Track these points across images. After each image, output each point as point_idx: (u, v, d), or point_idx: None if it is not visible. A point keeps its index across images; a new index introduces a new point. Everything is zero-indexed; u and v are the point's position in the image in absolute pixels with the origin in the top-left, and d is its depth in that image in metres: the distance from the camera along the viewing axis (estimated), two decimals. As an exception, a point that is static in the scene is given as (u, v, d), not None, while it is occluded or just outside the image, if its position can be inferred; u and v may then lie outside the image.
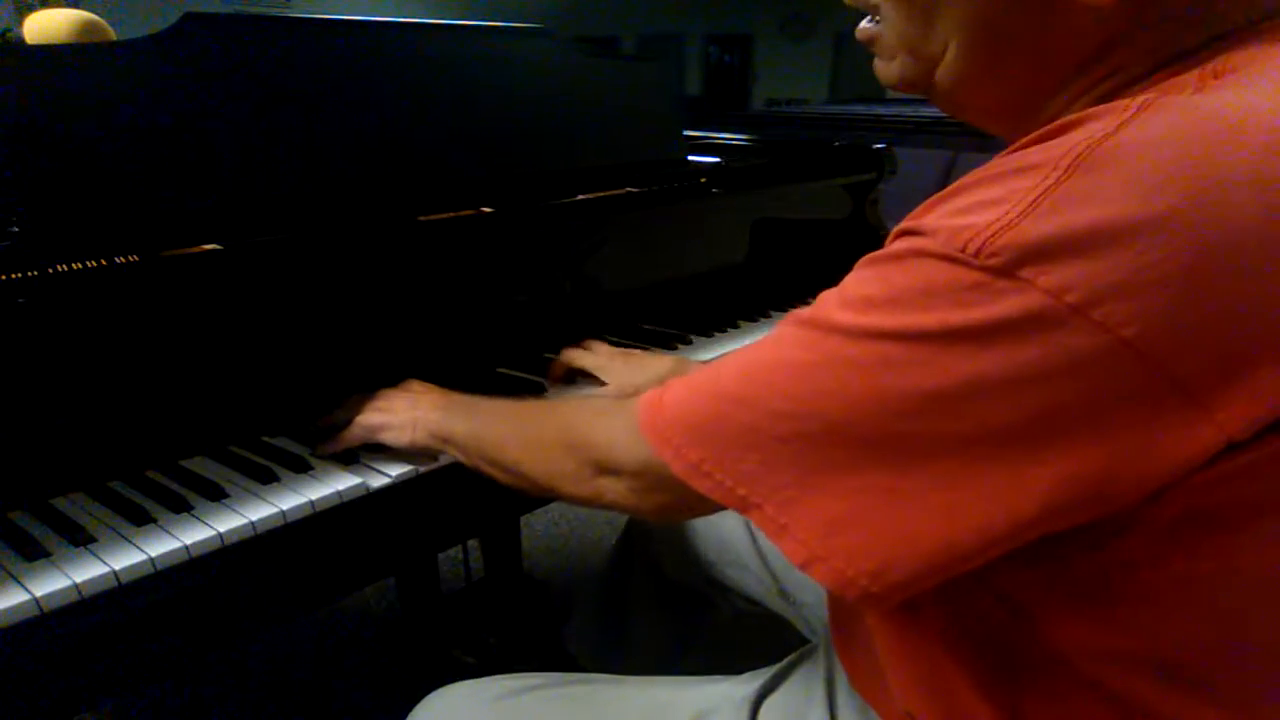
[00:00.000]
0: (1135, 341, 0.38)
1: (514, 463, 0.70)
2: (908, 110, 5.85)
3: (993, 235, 0.40)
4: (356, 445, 0.81)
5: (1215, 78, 0.44)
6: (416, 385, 0.84)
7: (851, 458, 0.44)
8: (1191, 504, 0.42)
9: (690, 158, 1.40)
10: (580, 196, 1.12)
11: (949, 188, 0.46)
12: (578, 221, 1.13)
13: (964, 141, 4.46)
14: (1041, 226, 0.40)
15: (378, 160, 1.01)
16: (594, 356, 0.97)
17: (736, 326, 1.21)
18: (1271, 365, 0.38)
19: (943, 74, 0.52)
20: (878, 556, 0.44)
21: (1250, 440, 0.40)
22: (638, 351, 0.98)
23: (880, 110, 6.08)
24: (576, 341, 1.03)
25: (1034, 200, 0.40)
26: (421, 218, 0.97)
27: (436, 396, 0.81)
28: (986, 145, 4.38)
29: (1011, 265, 0.40)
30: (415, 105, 1.04)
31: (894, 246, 0.46)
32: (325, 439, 0.81)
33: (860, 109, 6.30)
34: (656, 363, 0.96)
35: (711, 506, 0.52)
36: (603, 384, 0.95)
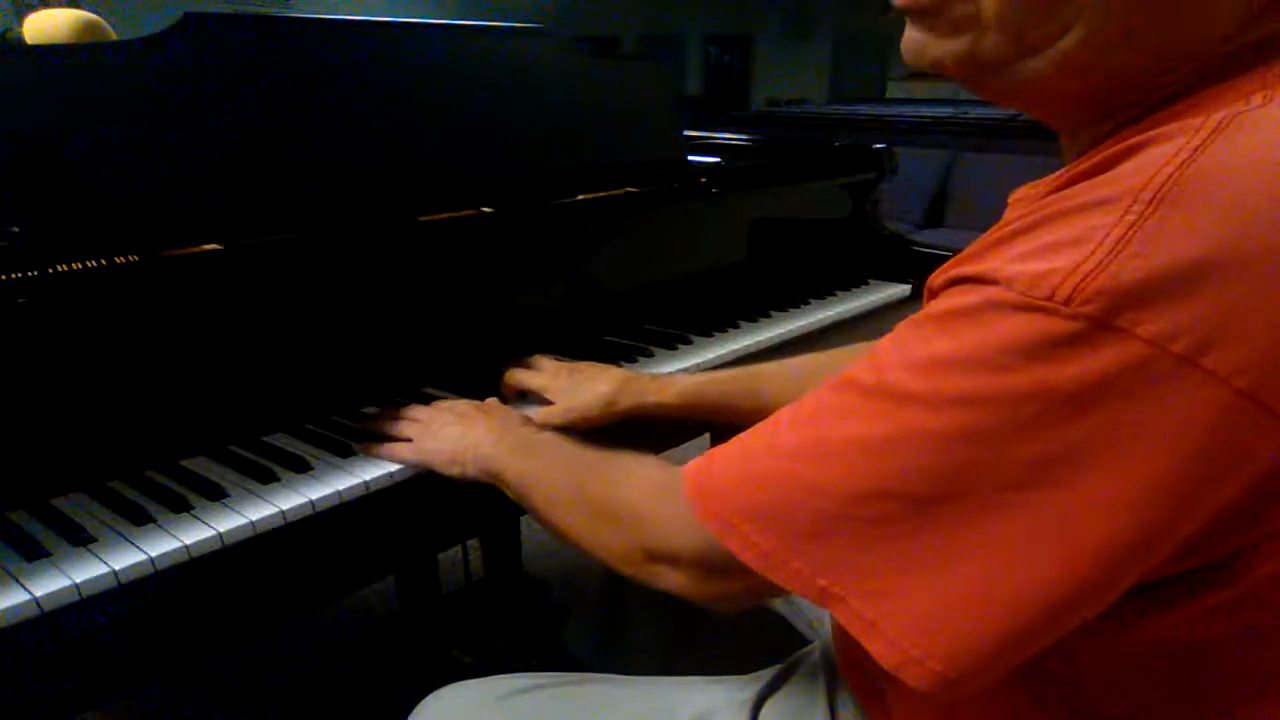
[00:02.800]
0: (1254, 393, 0.35)
1: (562, 528, 0.66)
2: (908, 110, 5.85)
3: (1083, 280, 0.36)
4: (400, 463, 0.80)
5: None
6: (470, 410, 0.82)
7: (946, 540, 0.40)
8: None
9: (690, 158, 1.40)
10: (580, 196, 1.12)
11: (1007, 228, 0.41)
12: (578, 221, 1.13)
13: (964, 142, 4.46)
14: (1135, 268, 0.36)
15: (377, 160, 1.01)
16: (539, 376, 0.93)
17: (736, 326, 1.21)
18: None
19: (1041, 60, 0.44)
20: (982, 654, 0.40)
21: None
22: (583, 366, 0.94)
23: (880, 110, 6.08)
24: (576, 341, 1.03)
25: (1121, 238, 0.36)
26: (421, 218, 0.97)
27: (489, 423, 0.78)
28: (986, 146, 4.38)
29: (1108, 313, 0.36)
30: (415, 105, 1.04)
31: (962, 300, 0.41)
32: (367, 438, 0.82)
33: (860, 109, 6.29)
34: (602, 377, 0.90)
35: (783, 591, 0.47)
36: (549, 403, 0.90)
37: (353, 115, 0.98)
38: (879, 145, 1.54)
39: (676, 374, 0.97)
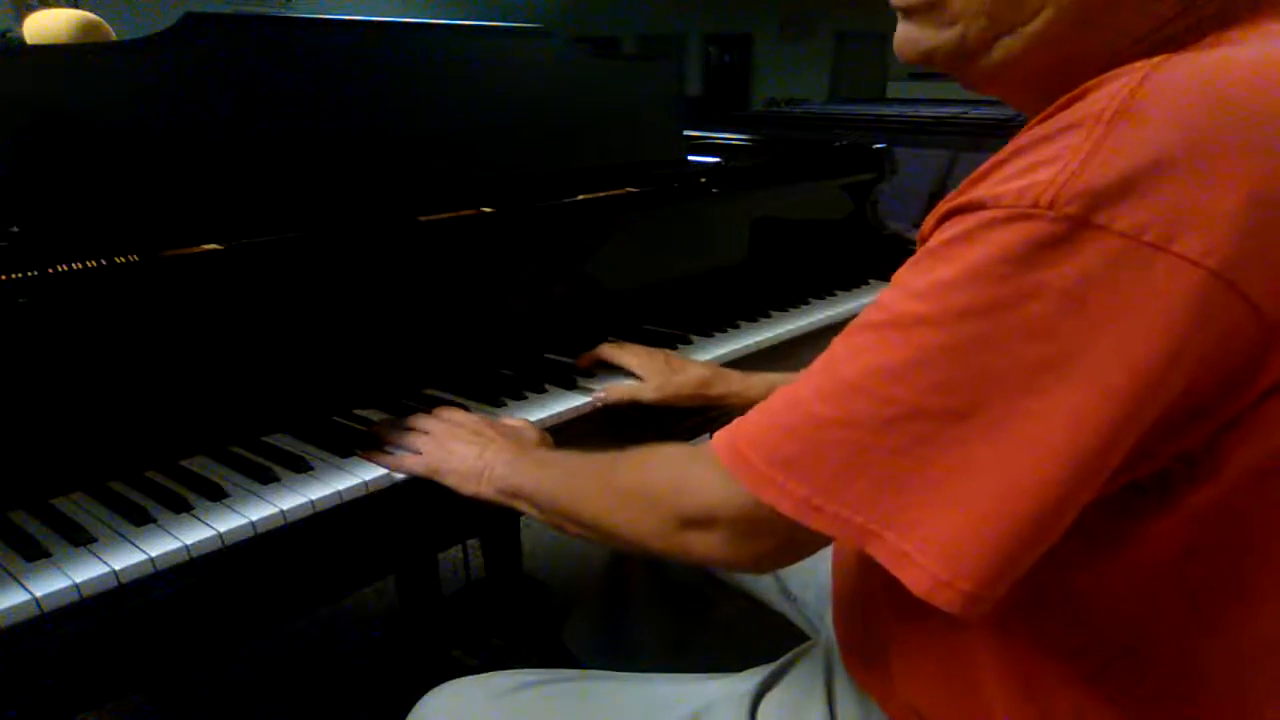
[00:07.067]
0: (1223, 272, 0.39)
1: (591, 519, 0.66)
2: (908, 110, 5.85)
3: (1062, 187, 0.41)
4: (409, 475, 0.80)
5: (1214, 47, 0.46)
6: (483, 427, 0.82)
7: (970, 454, 0.43)
8: (1257, 464, 0.43)
9: (690, 158, 1.40)
10: (581, 197, 1.12)
11: (985, 165, 0.46)
12: (578, 222, 1.13)
13: (963, 141, 4.47)
14: (1105, 173, 0.40)
15: (378, 160, 1.01)
16: (633, 357, 1.00)
17: (736, 326, 1.21)
18: None
19: (1015, 39, 0.49)
20: (1003, 561, 0.42)
21: None
22: (671, 354, 1.02)
23: (880, 110, 6.08)
24: (576, 341, 1.04)
25: (1091, 151, 0.41)
26: (422, 218, 0.97)
27: (504, 443, 0.78)
28: (986, 146, 4.39)
29: (1087, 211, 0.40)
30: (415, 105, 1.04)
31: (955, 229, 0.44)
32: (373, 444, 0.82)
33: (860, 109, 6.30)
34: (695, 364, 1.00)
35: (817, 546, 0.49)
36: (633, 378, 0.99)
37: (353, 115, 0.98)
38: (879, 145, 1.54)
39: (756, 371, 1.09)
